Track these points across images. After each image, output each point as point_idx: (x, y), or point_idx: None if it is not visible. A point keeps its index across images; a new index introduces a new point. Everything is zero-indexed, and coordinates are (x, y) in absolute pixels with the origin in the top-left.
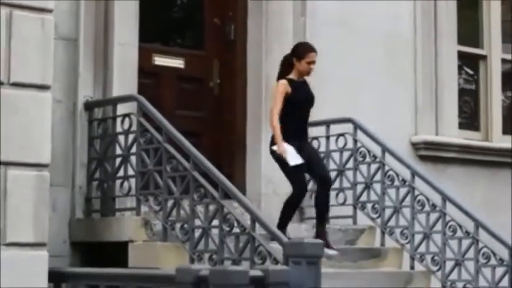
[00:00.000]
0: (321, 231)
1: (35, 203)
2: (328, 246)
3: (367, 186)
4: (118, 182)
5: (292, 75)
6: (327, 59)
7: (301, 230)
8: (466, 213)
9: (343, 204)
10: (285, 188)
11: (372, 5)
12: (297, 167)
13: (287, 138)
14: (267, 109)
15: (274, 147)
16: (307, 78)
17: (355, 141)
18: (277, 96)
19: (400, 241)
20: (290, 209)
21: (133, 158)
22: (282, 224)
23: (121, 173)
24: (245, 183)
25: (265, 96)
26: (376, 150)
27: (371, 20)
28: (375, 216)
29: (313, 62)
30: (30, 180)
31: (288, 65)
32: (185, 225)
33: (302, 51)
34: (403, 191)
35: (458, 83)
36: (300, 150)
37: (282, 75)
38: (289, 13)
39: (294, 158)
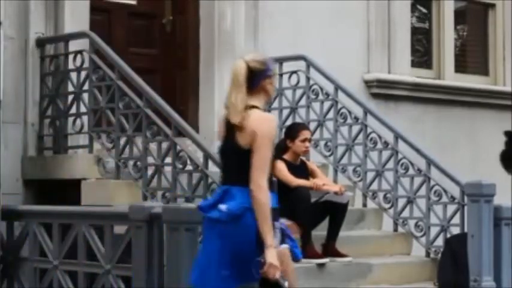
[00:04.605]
0: (332, 244)
1: None
2: (340, 255)
3: (320, 124)
4: (70, 119)
5: (288, 157)
6: None
7: None
8: (418, 151)
9: None
10: None
11: None
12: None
13: None
14: (219, 46)
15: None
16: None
17: (308, 78)
18: (282, 172)
19: (352, 179)
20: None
21: (85, 95)
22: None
23: (73, 110)
24: (198, 121)
25: (217, 33)
26: (329, 87)
27: None
28: (327, 154)
29: (307, 140)
30: None
31: (283, 148)
32: (138, 163)
33: (294, 131)
34: (355, 128)
35: (411, 21)
36: None
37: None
38: None
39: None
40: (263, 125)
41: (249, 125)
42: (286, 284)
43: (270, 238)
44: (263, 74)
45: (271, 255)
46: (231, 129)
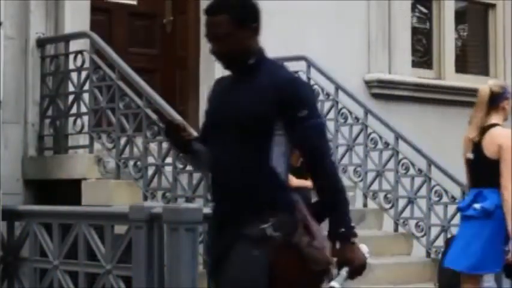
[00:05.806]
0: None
1: None
2: None
3: None
4: (71, 119)
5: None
6: None
7: None
8: (419, 151)
9: None
10: None
11: None
12: None
13: None
14: None
15: None
16: None
17: (309, 79)
18: None
19: (353, 179)
20: None
21: (86, 95)
22: None
23: (74, 110)
24: (198, 121)
25: None
26: (330, 88)
27: None
28: None
29: None
30: None
31: None
32: (138, 163)
33: None
34: (356, 129)
35: (411, 21)
36: None
37: None
38: None
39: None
40: (507, 140)
41: (494, 140)
42: None
43: None
44: (502, 96)
45: None
46: (477, 143)
